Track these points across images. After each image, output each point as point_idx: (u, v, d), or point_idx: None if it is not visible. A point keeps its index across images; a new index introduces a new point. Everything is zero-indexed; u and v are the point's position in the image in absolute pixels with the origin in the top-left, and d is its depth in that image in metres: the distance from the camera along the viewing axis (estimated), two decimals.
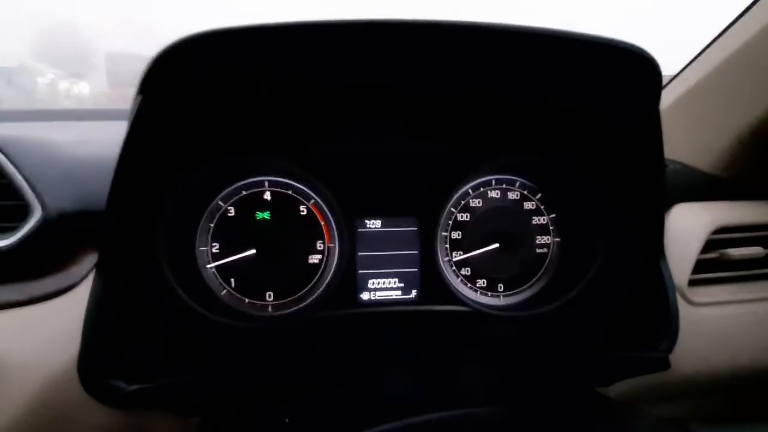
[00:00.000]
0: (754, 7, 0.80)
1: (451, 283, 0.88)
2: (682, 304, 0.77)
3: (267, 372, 0.68)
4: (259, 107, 0.70)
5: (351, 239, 0.84)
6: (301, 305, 0.84)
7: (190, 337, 0.73)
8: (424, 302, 0.88)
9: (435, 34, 0.55)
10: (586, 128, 0.77)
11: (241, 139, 0.76)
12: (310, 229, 0.85)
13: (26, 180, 0.63)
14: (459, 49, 0.58)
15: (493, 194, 0.92)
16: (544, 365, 0.73)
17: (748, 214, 0.85)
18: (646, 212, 0.76)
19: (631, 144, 0.72)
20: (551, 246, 0.93)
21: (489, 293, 0.93)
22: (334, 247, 0.86)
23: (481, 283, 0.93)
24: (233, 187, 0.82)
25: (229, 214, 0.82)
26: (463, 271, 0.92)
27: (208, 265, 0.81)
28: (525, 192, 0.93)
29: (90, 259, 0.65)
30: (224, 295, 0.83)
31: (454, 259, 0.91)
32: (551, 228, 0.93)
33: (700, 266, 0.80)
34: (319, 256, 0.86)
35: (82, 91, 1.84)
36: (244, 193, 0.83)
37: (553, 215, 0.93)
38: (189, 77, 0.55)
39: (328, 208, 0.84)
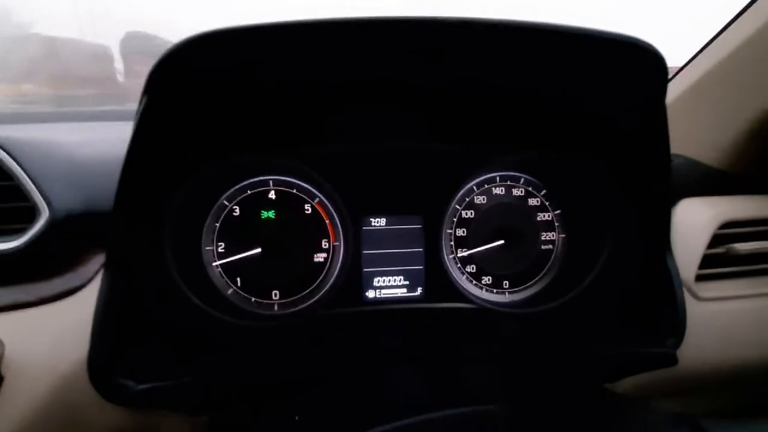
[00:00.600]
0: (760, 0, 0.79)
1: (457, 281, 0.88)
2: (688, 300, 0.76)
3: (274, 370, 0.68)
4: (264, 106, 0.70)
5: (356, 237, 0.84)
6: (306, 304, 0.85)
7: (197, 336, 0.73)
8: (429, 300, 0.88)
9: (440, 31, 0.55)
10: (592, 124, 0.77)
11: (246, 138, 0.76)
12: (315, 228, 0.85)
13: (33, 182, 0.63)
14: (464, 45, 0.58)
15: (498, 191, 0.92)
16: (550, 362, 0.73)
17: (754, 208, 0.84)
18: (652, 207, 0.75)
19: (636, 139, 0.72)
20: (556, 242, 0.93)
21: (494, 290, 0.93)
22: (339, 245, 0.86)
23: (487, 280, 0.93)
24: (238, 186, 0.82)
25: (235, 214, 0.82)
26: (468, 269, 0.92)
27: (214, 263, 0.82)
28: (530, 188, 0.92)
29: (98, 260, 0.65)
30: (230, 294, 0.83)
31: (459, 256, 0.91)
32: (556, 224, 0.93)
33: (706, 261, 0.79)
34: (325, 255, 0.86)
35: None
36: (249, 192, 0.83)
37: (558, 211, 0.93)
38: (195, 77, 0.55)
39: (333, 207, 0.85)
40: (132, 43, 1.23)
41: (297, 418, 0.56)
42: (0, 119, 1.04)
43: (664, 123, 0.65)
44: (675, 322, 0.73)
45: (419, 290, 0.88)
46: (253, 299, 0.84)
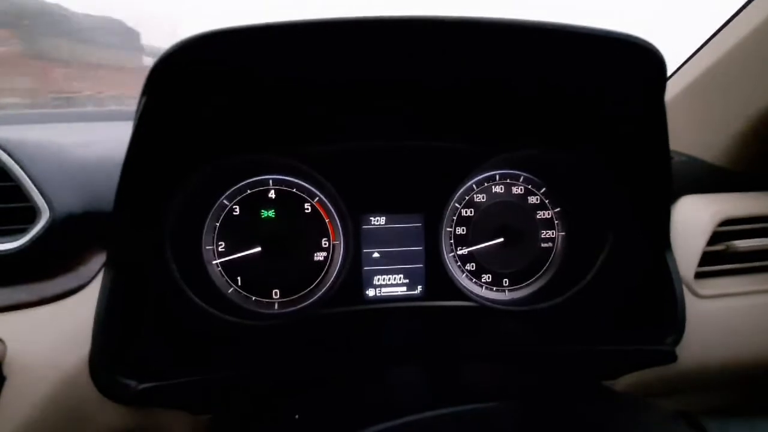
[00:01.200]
0: None
1: (457, 279, 0.88)
2: (688, 297, 0.76)
3: (275, 369, 0.68)
4: (263, 106, 0.70)
5: (356, 236, 0.85)
6: (307, 302, 0.85)
7: (198, 335, 0.73)
8: (429, 298, 0.88)
9: (438, 31, 0.55)
10: (591, 121, 0.77)
11: (246, 138, 0.77)
12: (315, 227, 0.86)
13: (34, 182, 0.63)
14: (463, 44, 0.58)
15: (498, 189, 0.92)
16: (550, 359, 0.73)
17: (754, 205, 0.84)
18: (651, 205, 0.75)
19: (636, 136, 0.72)
20: (556, 240, 0.93)
21: (494, 288, 0.93)
22: (339, 244, 0.86)
23: (487, 278, 0.93)
24: (238, 186, 0.83)
25: (234, 213, 0.83)
26: (468, 267, 0.92)
27: (214, 261, 0.82)
28: (529, 186, 0.93)
29: (98, 260, 0.65)
30: (231, 293, 0.83)
31: (459, 255, 0.92)
32: (556, 222, 0.93)
33: (706, 258, 0.79)
34: (325, 254, 0.86)
35: None
36: (248, 191, 0.83)
37: (558, 209, 0.93)
38: (194, 77, 0.55)
39: (332, 206, 0.85)
40: None
41: (297, 416, 0.56)
42: None
43: (664, 120, 0.65)
44: (674, 320, 0.73)
45: (419, 288, 0.88)
46: (253, 298, 0.84)
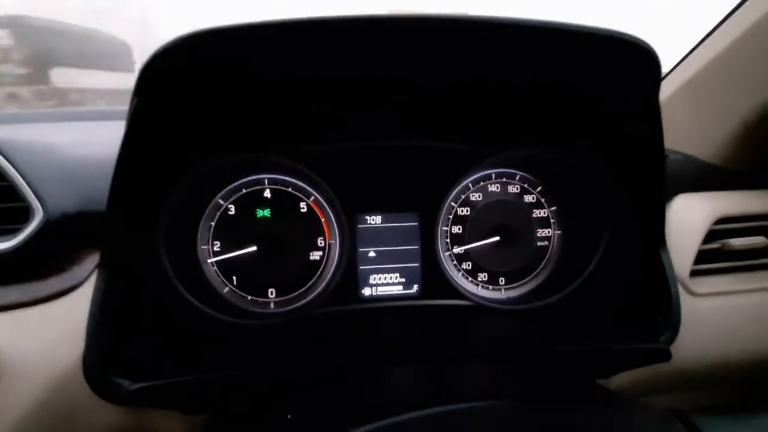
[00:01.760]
0: None
1: (453, 278, 0.88)
2: (683, 295, 0.76)
3: (270, 369, 0.68)
4: (258, 105, 0.70)
5: (352, 235, 0.85)
6: (303, 302, 0.85)
7: (193, 334, 0.73)
8: (425, 297, 0.88)
9: (433, 30, 0.54)
10: (587, 120, 0.77)
11: (240, 137, 0.76)
12: (311, 226, 0.85)
13: (27, 182, 0.63)
14: (457, 43, 0.58)
15: (493, 188, 0.92)
16: (545, 358, 0.73)
17: (749, 203, 0.84)
18: (647, 203, 0.75)
19: (631, 135, 0.72)
20: (552, 239, 0.93)
21: (490, 287, 0.93)
22: (335, 243, 0.86)
23: (483, 276, 0.93)
24: (233, 185, 0.82)
25: (230, 213, 0.82)
26: (465, 266, 0.92)
27: (209, 260, 0.82)
28: (525, 185, 0.93)
29: (92, 260, 0.65)
30: (226, 292, 0.83)
31: (455, 254, 0.92)
32: (552, 221, 0.93)
33: (701, 257, 0.79)
34: (320, 253, 0.86)
35: None
36: (244, 191, 0.83)
37: (554, 208, 0.93)
38: (185, 77, 0.55)
39: (328, 205, 0.85)
40: None
41: (289, 416, 0.56)
42: None
43: (659, 119, 0.65)
44: (669, 318, 0.73)
45: (415, 287, 0.88)
46: (249, 298, 0.84)
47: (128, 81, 0.54)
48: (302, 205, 0.85)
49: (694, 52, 0.91)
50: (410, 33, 0.55)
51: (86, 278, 0.64)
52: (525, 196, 0.93)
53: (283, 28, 0.51)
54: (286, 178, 0.84)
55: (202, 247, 0.82)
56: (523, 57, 0.63)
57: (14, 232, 0.62)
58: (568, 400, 0.55)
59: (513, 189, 0.93)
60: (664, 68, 0.61)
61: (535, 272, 0.94)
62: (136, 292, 0.68)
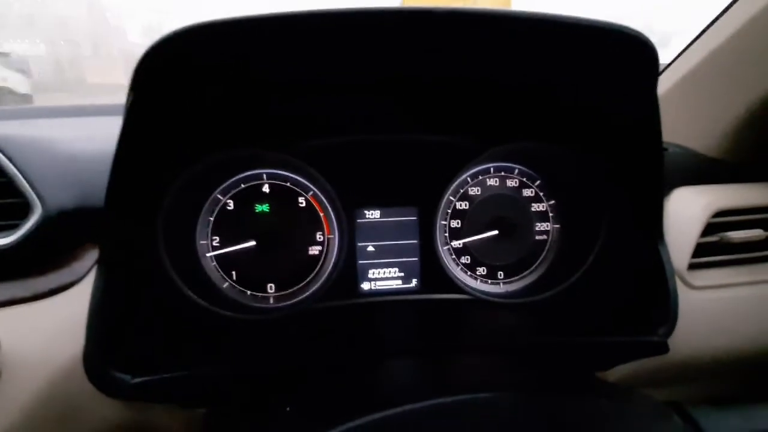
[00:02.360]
0: None
1: (451, 272, 0.88)
2: (681, 288, 0.77)
3: (269, 363, 0.69)
4: (255, 100, 0.70)
5: (350, 230, 0.85)
6: (302, 296, 0.85)
7: (192, 329, 0.74)
8: (424, 291, 0.89)
9: (431, 22, 0.54)
10: (584, 114, 0.77)
11: (238, 132, 0.76)
12: (310, 221, 0.86)
13: (26, 178, 0.63)
14: (455, 36, 0.58)
15: (492, 182, 0.92)
16: (543, 351, 0.73)
17: (747, 196, 0.84)
18: (645, 196, 0.75)
19: (629, 128, 0.72)
20: (551, 232, 0.94)
21: (489, 281, 0.94)
22: (334, 238, 0.86)
23: (481, 270, 0.93)
24: (232, 180, 0.82)
25: (229, 208, 0.83)
26: (463, 260, 0.93)
27: (208, 254, 0.82)
28: (524, 179, 0.93)
29: (92, 255, 0.65)
30: (226, 287, 0.84)
31: (454, 248, 0.92)
32: (550, 214, 0.93)
33: (699, 250, 0.80)
34: (319, 248, 0.87)
35: None
36: (242, 186, 0.83)
37: (552, 202, 0.93)
38: (181, 72, 0.55)
39: (326, 200, 0.85)
40: None
41: (288, 409, 0.57)
42: None
43: (656, 112, 0.65)
44: (667, 311, 0.73)
45: (414, 282, 0.89)
46: (248, 292, 0.85)
47: None
48: (301, 199, 0.85)
49: (693, 45, 0.90)
50: (409, 26, 0.55)
51: (86, 273, 0.64)
52: (523, 190, 0.93)
53: (281, 21, 0.51)
54: (285, 173, 0.84)
55: (201, 242, 0.82)
56: (520, 49, 0.63)
57: (13, 227, 0.62)
58: (566, 391, 0.56)
59: (511, 183, 0.93)
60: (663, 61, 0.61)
61: (534, 266, 0.94)
62: (136, 287, 0.69)
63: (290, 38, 0.55)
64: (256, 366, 0.68)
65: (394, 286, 0.89)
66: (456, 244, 0.92)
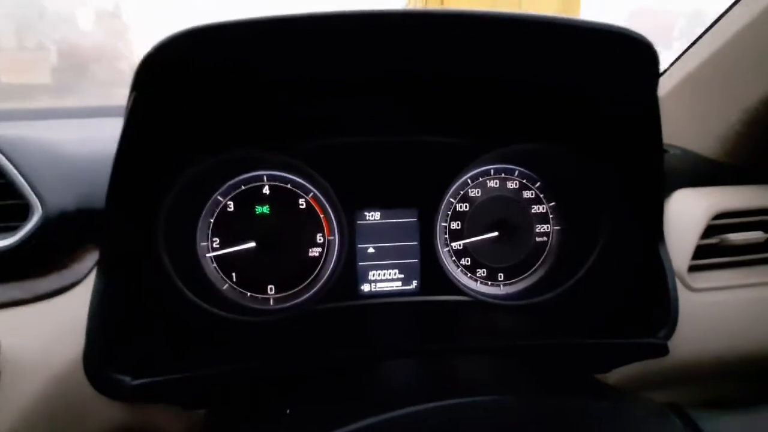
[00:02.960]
0: None
1: (451, 273, 0.88)
2: (681, 290, 0.77)
3: (270, 365, 0.69)
4: (255, 101, 0.70)
5: (350, 231, 0.85)
6: (302, 298, 0.85)
7: (192, 331, 0.74)
8: (424, 293, 0.89)
9: (431, 25, 0.54)
10: (585, 116, 0.77)
11: (238, 133, 0.76)
12: (310, 223, 0.86)
13: (26, 179, 0.63)
14: (456, 38, 0.58)
15: (492, 184, 0.92)
16: (543, 353, 0.73)
17: (748, 198, 0.84)
18: (645, 198, 0.75)
19: (629, 130, 0.72)
20: (551, 234, 0.94)
21: (489, 282, 0.94)
22: (334, 239, 0.87)
23: (482, 272, 0.93)
24: (232, 182, 0.82)
25: (229, 209, 0.83)
26: (464, 261, 0.93)
27: (208, 255, 0.82)
28: (524, 181, 0.93)
29: (92, 257, 0.65)
30: (226, 289, 0.84)
31: (454, 249, 0.92)
32: (551, 216, 0.93)
33: (700, 252, 0.79)
34: (320, 249, 0.87)
35: None
36: (242, 187, 0.83)
37: (553, 204, 0.93)
38: (182, 73, 0.55)
39: (327, 201, 0.85)
40: None
41: (288, 411, 0.57)
42: None
43: (657, 114, 0.65)
44: (667, 313, 0.73)
45: (414, 283, 0.89)
46: (248, 294, 0.85)
47: None
48: (301, 201, 0.85)
49: (694, 47, 0.90)
50: (408, 29, 0.55)
51: (86, 275, 0.64)
52: (524, 191, 0.93)
53: (281, 23, 0.51)
54: (285, 175, 0.84)
55: (202, 243, 0.82)
56: (522, 51, 0.63)
57: (14, 229, 0.62)
58: (566, 394, 0.56)
59: (512, 184, 0.93)
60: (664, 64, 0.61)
61: (534, 268, 0.94)
62: (136, 288, 0.69)
63: (291, 40, 0.55)
64: (256, 367, 0.68)
65: (395, 288, 0.89)
66: (456, 245, 0.92)
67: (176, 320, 0.73)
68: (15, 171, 0.63)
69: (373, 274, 0.88)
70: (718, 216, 0.81)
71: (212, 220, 0.82)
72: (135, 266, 0.68)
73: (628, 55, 0.59)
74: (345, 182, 0.82)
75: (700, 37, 0.89)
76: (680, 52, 0.94)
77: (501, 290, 0.93)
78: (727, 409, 0.52)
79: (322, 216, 0.86)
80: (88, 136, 0.76)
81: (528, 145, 0.85)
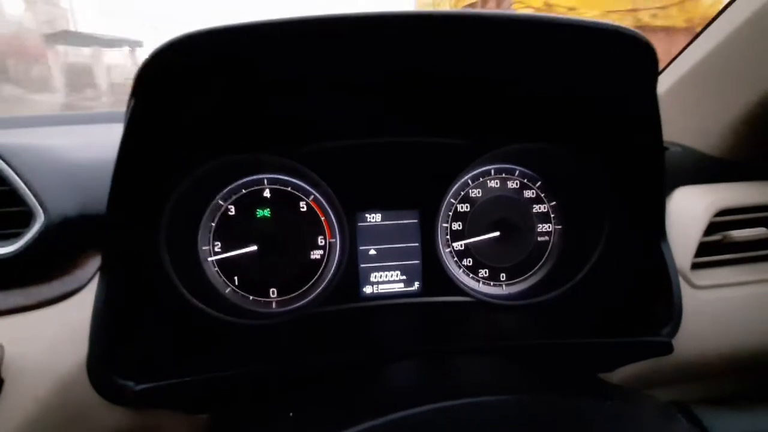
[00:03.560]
0: None
1: (453, 274, 0.88)
2: (684, 288, 0.76)
3: (273, 367, 0.69)
4: (255, 105, 0.70)
5: (352, 234, 0.85)
6: (304, 301, 0.85)
7: (196, 335, 0.74)
8: (426, 294, 0.88)
9: (428, 26, 0.54)
10: (585, 114, 0.77)
11: (239, 138, 0.77)
12: (311, 225, 0.86)
13: (28, 186, 0.63)
14: (454, 39, 0.58)
15: (493, 184, 0.92)
16: (547, 352, 0.73)
17: (750, 195, 0.84)
18: (646, 196, 0.75)
19: (629, 128, 0.72)
20: (552, 234, 0.94)
21: (491, 283, 0.93)
22: (336, 242, 0.87)
23: (484, 273, 0.93)
24: (233, 185, 0.83)
25: (230, 213, 0.83)
26: (465, 262, 0.92)
27: (210, 259, 0.82)
28: (525, 180, 0.93)
29: (94, 262, 0.65)
30: (228, 293, 0.84)
31: (456, 250, 0.92)
32: (552, 216, 0.93)
33: (702, 249, 0.79)
34: (321, 252, 0.87)
35: None
36: (243, 191, 0.83)
37: (554, 203, 0.93)
38: (183, 78, 0.55)
39: (327, 204, 0.85)
40: None
41: (291, 414, 0.57)
42: None
43: (656, 111, 0.65)
44: (671, 311, 0.73)
45: (416, 285, 0.89)
46: (251, 298, 0.85)
47: None
48: (302, 204, 0.85)
49: (693, 43, 0.90)
50: (407, 31, 0.55)
51: (89, 281, 0.64)
52: (524, 191, 0.93)
53: (281, 27, 0.51)
54: (286, 178, 0.84)
55: (203, 248, 0.82)
56: (521, 51, 0.63)
57: (16, 236, 0.62)
58: (570, 393, 0.56)
59: (512, 184, 0.93)
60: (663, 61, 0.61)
61: (536, 267, 0.94)
62: (139, 293, 0.69)
63: (292, 44, 0.55)
64: (259, 371, 0.68)
65: (396, 290, 0.88)
66: (458, 246, 0.91)
67: (179, 325, 0.73)
68: (17, 178, 0.63)
69: (374, 276, 0.88)
70: (721, 213, 0.81)
71: (213, 225, 0.82)
72: (137, 271, 0.68)
73: (627, 53, 0.59)
74: (345, 184, 0.82)
75: (699, 33, 0.89)
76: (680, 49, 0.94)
77: (503, 290, 0.93)
78: (733, 406, 0.52)
79: (323, 218, 0.86)
80: (89, 143, 0.76)
81: (528, 144, 0.85)
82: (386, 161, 0.84)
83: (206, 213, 0.82)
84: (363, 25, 0.53)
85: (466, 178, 0.90)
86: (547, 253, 0.94)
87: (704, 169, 0.90)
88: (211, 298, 0.79)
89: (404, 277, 0.88)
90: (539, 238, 0.93)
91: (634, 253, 0.80)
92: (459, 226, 0.91)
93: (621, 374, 0.80)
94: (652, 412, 0.52)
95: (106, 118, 0.97)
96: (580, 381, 0.64)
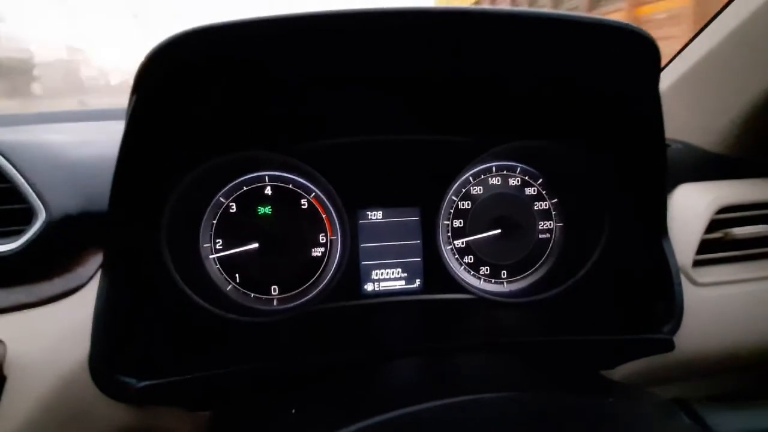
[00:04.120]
0: None
1: (455, 272, 0.88)
2: (686, 285, 0.76)
3: (275, 365, 0.69)
4: (257, 102, 0.70)
5: (353, 231, 0.85)
6: (305, 298, 0.85)
7: (197, 332, 0.74)
8: (428, 291, 0.88)
9: (431, 22, 0.54)
10: (587, 111, 0.77)
11: (240, 134, 0.76)
12: (312, 223, 0.86)
13: (29, 183, 0.63)
14: (457, 35, 0.58)
15: (494, 181, 0.92)
16: (548, 350, 0.73)
17: (752, 192, 0.84)
18: (648, 193, 0.75)
19: (631, 125, 0.72)
20: (554, 231, 0.93)
21: (493, 280, 0.93)
22: (337, 239, 0.87)
23: (485, 270, 0.93)
24: (234, 183, 0.82)
25: (231, 210, 0.83)
26: (466, 259, 0.92)
27: (211, 256, 0.82)
28: (526, 178, 0.92)
29: (96, 260, 0.65)
30: (229, 290, 0.84)
31: (457, 247, 0.92)
32: (553, 213, 0.93)
33: (704, 246, 0.79)
34: (322, 249, 0.87)
35: None
36: (245, 188, 0.83)
37: (555, 200, 0.93)
38: (183, 75, 0.55)
39: (329, 201, 0.85)
40: None
41: (294, 411, 0.57)
42: None
43: (659, 108, 0.65)
44: (672, 308, 0.73)
45: (417, 282, 0.89)
46: (252, 295, 0.85)
47: None
48: (303, 201, 0.85)
49: (695, 40, 0.90)
50: (411, 27, 0.55)
51: (90, 278, 0.64)
52: (526, 188, 0.93)
53: (284, 23, 0.51)
54: (287, 175, 0.84)
55: (205, 245, 0.82)
56: (524, 48, 0.63)
57: (18, 233, 0.62)
58: (571, 390, 0.56)
59: (514, 182, 0.92)
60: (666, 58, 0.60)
61: (537, 264, 0.94)
62: (140, 291, 0.69)
63: (294, 40, 0.55)
64: (261, 368, 0.68)
65: (398, 287, 0.88)
66: (459, 243, 0.91)
67: (181, 322, 0.73)
68: (18, 175, 0.63)
69: (376, 274, 0.88)
70: (722, 210, 0.81)
71: (215, 222, 0.82)
72: (139, 269, 0.68)
73: (629, 50, 0.58)
74: (346, 182, 0.82)
75: (701, 30, 0.89)
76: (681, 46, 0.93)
77: (505, 288, 0.93)
78: (735, 403, 0.52)
79: (324, 216, 0.86)
80: (90, 140, 0.76)
81: (529, 141, 0.84)
82: (387, 158, 0.84)
83: (207, 210, 0.82)
84: (368, 21, 0.53)
85: (467, 175, 0.90)
86: (548, 251, 0.94)
87: (706, 166, 0.90)
88: (213, 295, 0.79)
89: (405, 275, 0.88)
90: (540, 236, 0.93)
91: (636, 250, 0.80)
92: (460, 223, 0.91)
93: (622, 371, 0.80)
94: (654, 409, 0.52)
95: (107, 115, 0.97)
96: (582, 378, 0.64)
